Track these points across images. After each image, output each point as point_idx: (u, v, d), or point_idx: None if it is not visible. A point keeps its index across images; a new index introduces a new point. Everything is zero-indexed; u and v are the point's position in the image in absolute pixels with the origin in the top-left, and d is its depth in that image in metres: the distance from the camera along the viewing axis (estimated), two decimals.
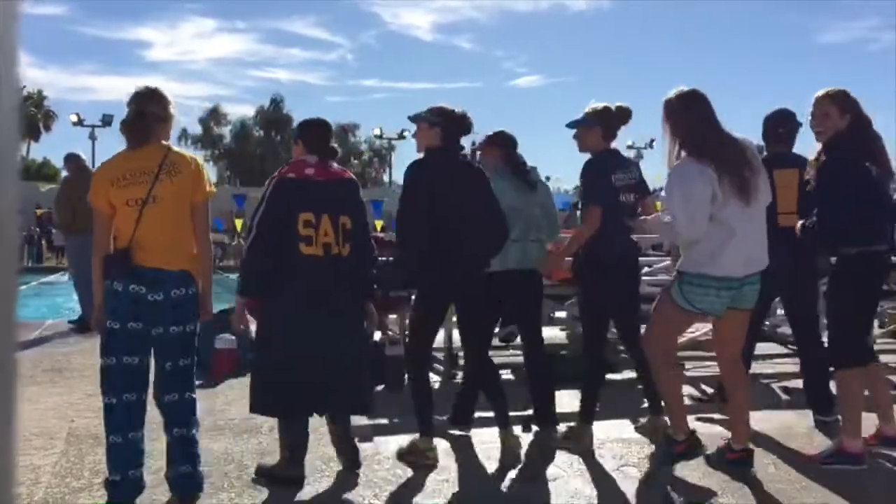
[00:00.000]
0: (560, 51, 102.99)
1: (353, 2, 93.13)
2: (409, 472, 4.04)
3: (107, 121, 37.11)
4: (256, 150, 60.27)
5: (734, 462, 3.95)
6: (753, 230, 3.81)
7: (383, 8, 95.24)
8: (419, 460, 4.13)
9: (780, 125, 4.99)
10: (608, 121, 4.53)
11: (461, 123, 4.27)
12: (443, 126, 4.21)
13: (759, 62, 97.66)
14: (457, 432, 4.71)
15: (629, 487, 3.88)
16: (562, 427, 4.62)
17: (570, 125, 4.62)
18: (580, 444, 4.43)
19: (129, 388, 3.48)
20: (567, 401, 4.95)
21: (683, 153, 3.78)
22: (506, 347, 6.70)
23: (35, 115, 61.90)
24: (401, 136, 44.77)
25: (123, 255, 3.40)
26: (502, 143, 4.83)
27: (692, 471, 4.04)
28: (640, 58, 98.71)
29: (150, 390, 3.61)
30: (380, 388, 5.87)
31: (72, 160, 8.88)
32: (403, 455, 4.20)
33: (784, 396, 5.85)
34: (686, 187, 3.72)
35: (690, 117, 3.80)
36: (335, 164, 4.06)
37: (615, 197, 4.42)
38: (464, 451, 4.42)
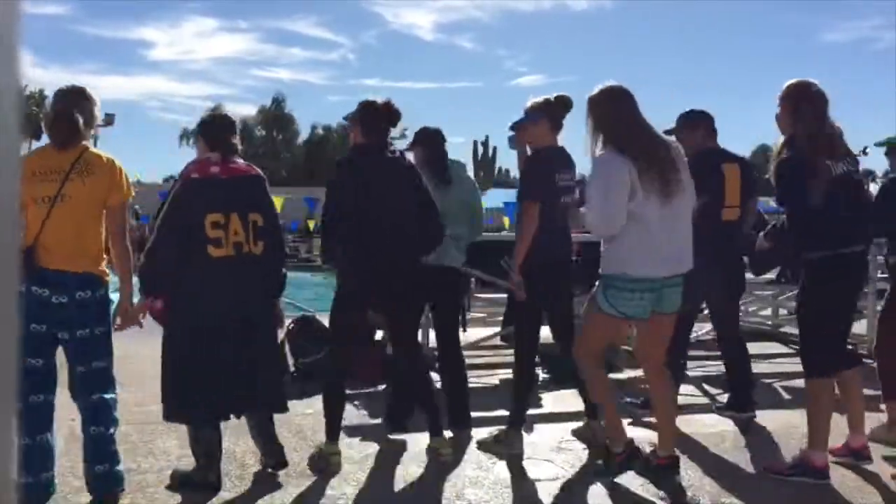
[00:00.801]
0: (562, 50, 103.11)
1: (354, 1, 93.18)
2: (412, 471, 4.04)
3: (108, 120, 37.05)
4: (258, 150, 60.24)
5: (662, 468, 3.78)
6: (675, 230, 3.67)
7: (385, 7, 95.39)
8: (321, 465, 4.02)
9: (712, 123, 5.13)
10: (553, 112, 4.39)
11: (377, 114, 4.13)
12: (361, 120, 4.14)
13: (761, 62, 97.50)
14: (397, 436, 4.61)
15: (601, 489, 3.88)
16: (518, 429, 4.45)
17: (514, 126, 4.52)
18: (511, 448, 4.30)
19: (35, 391, 3.41)
20: (573, 400, 4.96)
21: (607, 147, 3.68)
22: (506, 347, 6.70)
23: (36, 115, 61.85)
24: (402, 136, 44.66)
25: (27, 255, 3.30)
26: (421, 141, 4.78)
27: (693, 470, 4.04)
28: (642, 57, 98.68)
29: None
30: (381, 387, 5.87)
31: None
32: (311, 460, 4.08)
33: (786, 396, 5.86)
34: (605, 179, 3.64)
35: (614, 113, 3.71)
36: (240, 161, 3.95)
37: (556, 197, 4.27)
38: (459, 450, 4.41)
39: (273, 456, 3.96)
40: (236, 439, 4.42)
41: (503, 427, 4.43)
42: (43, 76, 62.87)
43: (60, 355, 3.56)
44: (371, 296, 4.14)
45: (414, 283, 4.18)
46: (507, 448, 4.30)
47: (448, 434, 4.39)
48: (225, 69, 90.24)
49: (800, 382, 5.81)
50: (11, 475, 0.58)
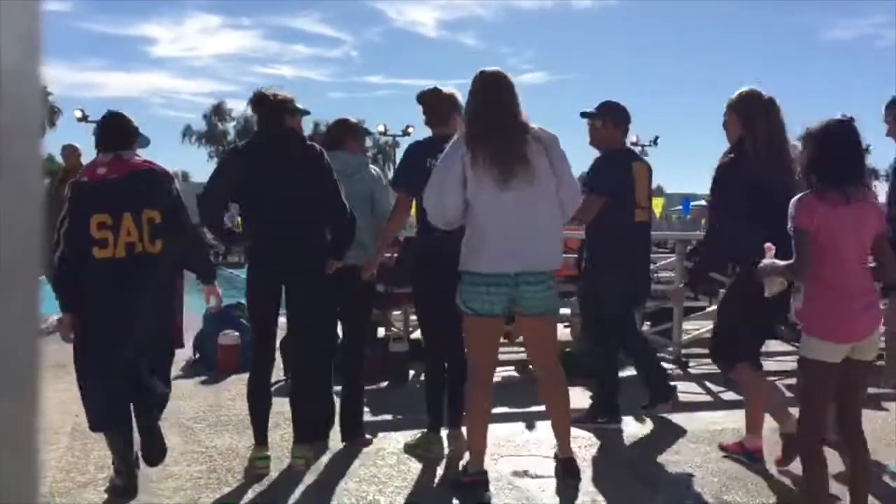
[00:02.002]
0: (565, 48, 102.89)
1: None
2: (413, 468, 4.05)
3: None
4: None
5: (564, 471, 3.80)
6: (519, 222, 3.50)
7: (388, 4, 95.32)
8: (248, 470, 3.95)
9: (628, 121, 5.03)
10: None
11: (264, 101, 4.04)
12: (254, 110, 4.10)
13: (765, 59, 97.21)
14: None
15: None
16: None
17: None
18: (429, 452, 4.23)
19: None
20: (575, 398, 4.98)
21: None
22: (507, 343, 6.70)
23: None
24: (405, 133, 44.75)
25: None
26: (330, 135, 4.68)
27: (694, 468, 4.05)
28: (644, 55, 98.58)
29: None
30: (384, 384, 5.89)
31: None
32: (250, 461, 4.00)
33: (788, 394, 5.85)
34: (440, 167, 3.62)
35: (469, 99, 3.65)
36: (138, 157, 3.84)
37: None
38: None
39: (146, 449, 3.75)
40: (239, 436, 4.44)
41: (424, 430, 4.34)
42: (46, 72, 62.77)
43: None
44: (269, 283, 4.00)
45: (312, 273, 4.02)
46: (425, 451, 4.23)
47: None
48: (228, 66, 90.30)
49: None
50: (38, 472, 0.59)
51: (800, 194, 3.14)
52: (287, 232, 3.93)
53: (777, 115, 3.98)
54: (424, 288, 4.28)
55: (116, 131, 3.85)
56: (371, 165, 4.62)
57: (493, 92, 3.61)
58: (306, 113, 4.37)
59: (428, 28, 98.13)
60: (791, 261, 3.14)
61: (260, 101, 4.04)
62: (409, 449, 4.30)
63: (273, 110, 4.03)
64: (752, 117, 3.94)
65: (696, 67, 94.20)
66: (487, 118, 3.56)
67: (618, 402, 4.83)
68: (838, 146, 3.15)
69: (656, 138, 35.99)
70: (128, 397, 3.64)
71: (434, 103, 4.28)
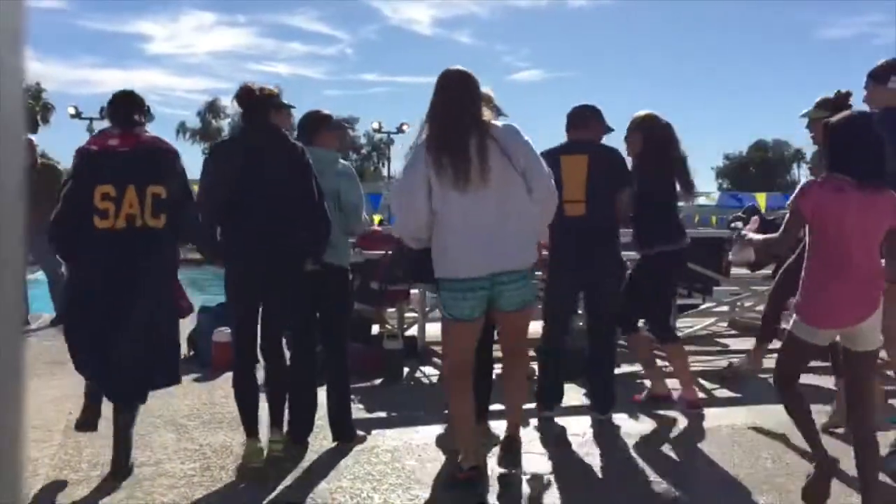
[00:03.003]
0: (561, 46, 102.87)
1: None
2: (408, 465, 4.05)
3: (104, 114, 37.01)
4: None
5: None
6: (487, 224, 3.45)
7: (384, 2, 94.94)
8: (244, 464, 3.95)
9: (576, 116, 4.94)
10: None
11: (241, 96, 4.01)
12: (239, 105, 4.06)
13: (762, 57, 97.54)
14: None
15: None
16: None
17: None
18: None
19: None
20: (571, 394, 5.00)
21: None
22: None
23: (33, 108, 61.71)
24: (400, 130, 44.75)
25: None
26: (302, 129, 4.50)
27: (694, 468, 4.05)
28: (640, 53, 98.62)
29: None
30: (378, 381, 5.88)
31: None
32: (244, 456, 3.97)
33: None
34: (405, 171, 3.63)
35: (433, 102, 3.58)
36: (148, 133, 3.94)
37: None
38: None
39: (115, 451, 3.78)
40: (233, 434, 4.43)
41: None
42: (40, 69, 62.65)
43: None
44: (249, 285, 3.98)
45: (292, 271, 4.01)
46: None
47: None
48: (223, 63, 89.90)
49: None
50: (20, 470, 0.58)
51: (806, 180, 3.38)
52: (267, 228, 3.87)
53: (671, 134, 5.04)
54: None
55: (129, 108, 3.97)
56: (340, 160, 4.47)
57: (453, 91, 3.54)
58: (291, 107, 4.32)
59: (423, 26, 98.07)
60: (773, 235, 3.22)
61: (244, 96, 4.02)
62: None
63: (258, 105, 4.01)
64: (652, 132, 5.01)
65: (690, 66, 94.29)
66: (445, 119, 3.50)
67: (559, 388, 4.96)
68: (856, 136, 3.23)
69: None
70: (104, 370, 3.77)
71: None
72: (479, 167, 3.41)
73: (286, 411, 4.16)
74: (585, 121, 4.93)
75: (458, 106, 3.50)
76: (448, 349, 3.81)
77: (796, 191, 3.30)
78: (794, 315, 3.30)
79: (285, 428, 4.13)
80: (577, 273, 4.77)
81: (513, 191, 3.48)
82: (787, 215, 3.32)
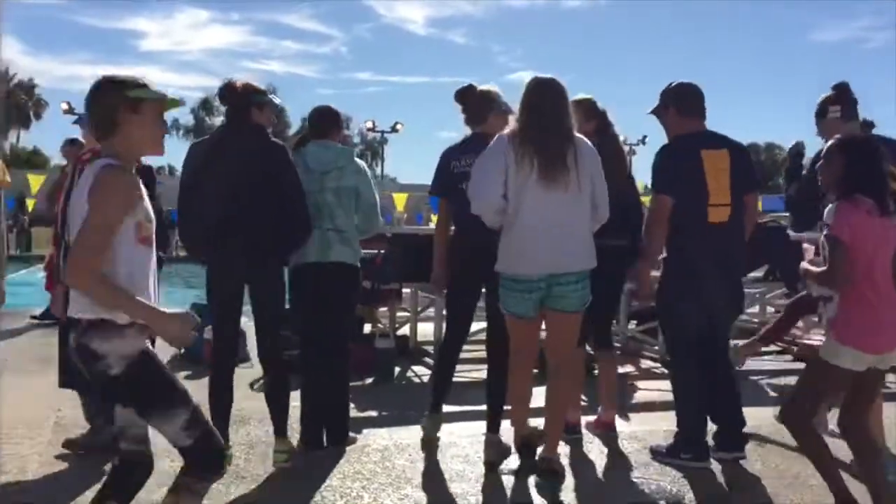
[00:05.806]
0: (555, 46, 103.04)
1: None
2: (398, 464, 4.04)
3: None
4: None
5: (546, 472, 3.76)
6: (558, 224, 3.59)
7: (378, 1, 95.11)
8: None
9: (696, 97, 4.32)
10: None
11: (222, 94, 4.03)
12: (222, 101, 4.08)
13: (753, 58, 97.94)
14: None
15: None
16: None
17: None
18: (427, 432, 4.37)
19: None
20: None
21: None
22: None
23: (26, 104, 61.47)
24: (393, 130, 44.66)
25: None
26: (314, 125, 4.50)
27: (689, 469, 4.06)
28: (634, 54, 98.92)
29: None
30: (369, 380, 5.87)
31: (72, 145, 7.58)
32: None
33: (772, 393, 5.88)
34: (482, 162, 3.71)
35: (524, 104, 3.71)
36: None
37: (456, 185, 4.17)
38: (453, 446, 4.41)
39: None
40: (233, 434, 4.41)
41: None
42: (33, 65, 62.40)
43: None
44: (231, 281, 3.97)
45: (271, 268, 4.02)
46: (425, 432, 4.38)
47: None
48: (217, 61, 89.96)
49: (787, 379, 5.88)
50: None
51: (837, 202, 3.18)
52: (243, 224, 3.86)
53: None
54: (469, 284, 4.26)
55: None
56: (356, 158, 4.46)
57: (545, 96, 3.69)
58: (275, 104, 4.22)
59: (417, 25, 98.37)
60: (824, 268, 3.15)
61: (225, 93, 4.02)
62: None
63: (239, 102, 4.00)
64: (595, 116, 4.48)
65: (683, 68, 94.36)
66: (535, 121, 3.64)
67: (704, 438, 4.16)
68: (873, 159, 3.22)
69: (644, 137, 35.84)
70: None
71: (471, 101, 4.34)
72: (564, 171, 3.58)
73: (303, 417, 4.24)
74: (702, 107, 4.29)
75: (548, 110, 3.65)
76: (514, 339, 3.83)
77: (832, 216, 3.13)
78: (833, 344, 3.17)
79: (283, 427, 4.10)
80: (714, 290, 4.05)
81: (582, 198, 3.65)
82: (829, 246, 3.12)
